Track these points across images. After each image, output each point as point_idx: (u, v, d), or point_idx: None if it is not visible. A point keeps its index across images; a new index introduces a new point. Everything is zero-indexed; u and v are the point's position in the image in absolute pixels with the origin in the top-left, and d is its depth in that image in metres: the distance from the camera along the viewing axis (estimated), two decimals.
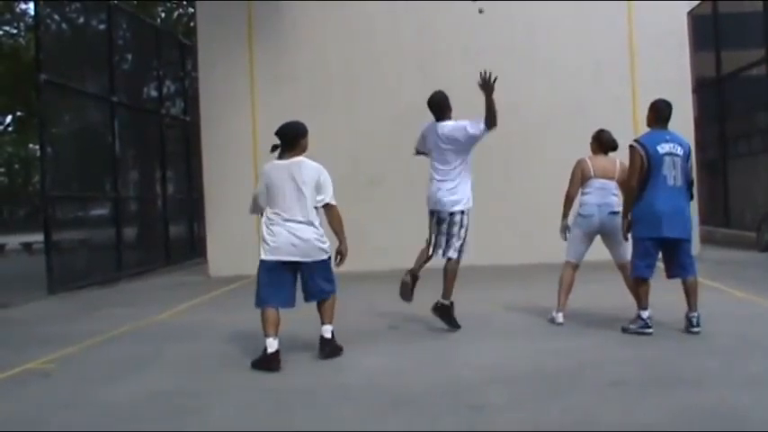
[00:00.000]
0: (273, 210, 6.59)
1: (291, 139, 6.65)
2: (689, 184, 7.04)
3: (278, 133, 6.67)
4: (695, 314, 6.97)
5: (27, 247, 26.08)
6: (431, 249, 7.69)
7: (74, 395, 5.84)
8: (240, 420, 5.00)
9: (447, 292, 7.61)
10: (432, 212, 7.71)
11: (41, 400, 5.76)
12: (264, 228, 6.65)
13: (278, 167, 6.63)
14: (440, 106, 7.72)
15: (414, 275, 7.65)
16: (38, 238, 18.57)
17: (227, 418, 5.06)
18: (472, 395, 5.31)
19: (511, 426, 4.61)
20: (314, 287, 6.67)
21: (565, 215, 7.78)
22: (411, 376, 5.98)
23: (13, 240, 28.74)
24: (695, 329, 6.92)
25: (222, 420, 5.03)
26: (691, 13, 16.79)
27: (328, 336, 6.70)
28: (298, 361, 6.71)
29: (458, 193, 7.58)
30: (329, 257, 6.71)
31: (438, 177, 7.64)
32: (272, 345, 6.39)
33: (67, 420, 5.14)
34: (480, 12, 12.49)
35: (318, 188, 6.58)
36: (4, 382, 6.31)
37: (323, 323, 6.72)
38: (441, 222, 7.61)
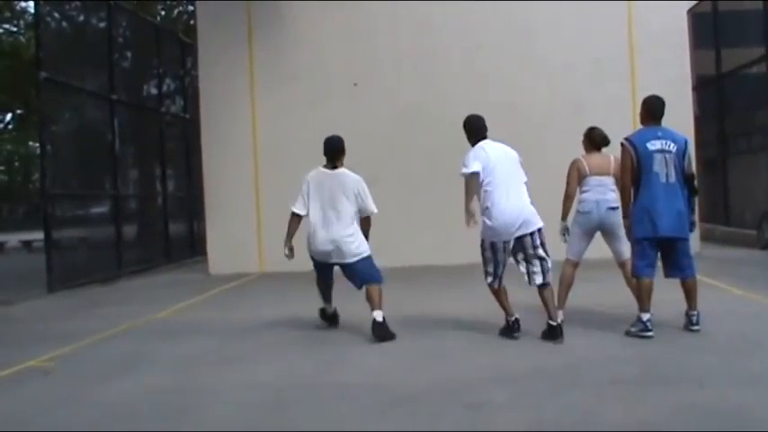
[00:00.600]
0: (317, 212, 7.53)
1: (337, 153, 7.70)
2: (687, 180, 6.97)
3: (326, 147, 7.71)
4: (695, 312, 6.97)
5: (27, 244, 26.07)
6: (499, 282, 7.12)
7: (73, 393, 5.84)
8: (239, 419, 5.00)
9: (553, 312, 7.04)
10: (502, 243, 6.96)
11: (41, 398, 5.75)
12: (311, 228, 7.55)
13: (326, 175, 7.65)
14: (482, 124, 7.29)
15: (514, 319, 7.17)
16: (38, 236, 18.56)
17: (226, 417, 5.05)
18: (472, 394, 5.31)
19: (511, 425, 4.61)
20: (356, 279, 7.60)
21: (564, 216, 7.75)
22: (410, 375, 5.98)
23: (13, 238, 28.75)
24: (695, 327, 6.93)
25: (221, 419, 5.03)
26: (690, 12, 16.79)
27: (380, 319, 7.33)
28: (296, 359, 6.72)
29: (530, 204, 7.02)
30: (367, 256, 7.56)
31: (512, 195, 6.92)
32: (329, 308, 8.00)
33: (67, 419, 5.14)
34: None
35: (358, 198, 7.55)
36: (4, 381, 6.31)
37: (372, 309, 7.39)
38: (523, 248, 6.94)
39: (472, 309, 8.04)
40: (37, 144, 23.92)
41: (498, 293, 7.19)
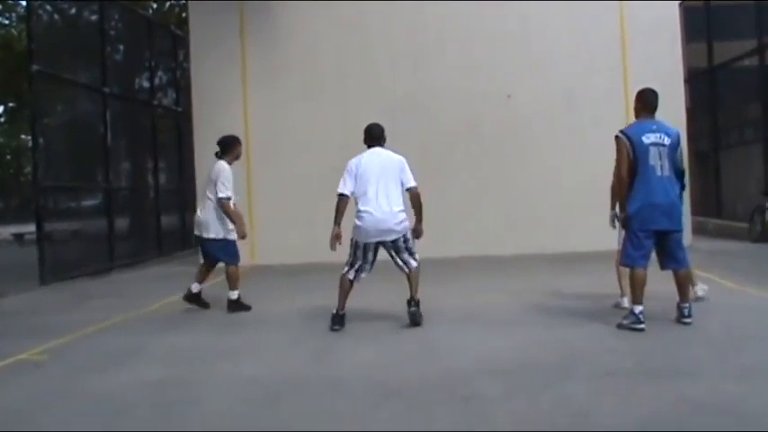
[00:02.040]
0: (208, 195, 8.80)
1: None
2: (678, 173, 7.03)
3: (221, 142, 9.04)
4: (687, 305, 7.00)
5: (19, 237, 25.95)
6: (355, 274, 7.62)
7: (65, 386, 5.82)
8: (232, 412, 4.99)
9: (416, 292, 7.63)
10: (366, 245, 7.55)
11: (33, 390, 5.73)
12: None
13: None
14: (380, 134, 7.93)
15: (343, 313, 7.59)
16: (29, 228, 18.50)
17: (220, 410, 5.04)
18: (465, 386, 5.31)
19: (505, 417, 4.61)
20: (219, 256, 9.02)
21: (613, 206, 7.81)
22: (403, 368, 5.97)
23: (5, 231, 28.64)
24: (687, 320, 6.95)
25: (214, 412, 5.01)
26: (682, 5, 16.83)
27: (235, 298, 8.85)
28: (289, 353, 6.72)
29: (402, 212, 7.56)
30: (221, 238, 8.85)
31: (383, 206, 7.45)
32: (195, 287, 9.00)
33: (59, 411, 5.13)
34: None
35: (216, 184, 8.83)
36: None
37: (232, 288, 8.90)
38: (396, 248, 7.55)
39: (465, 302, 8.04)
40: (29, 137, 23.77)
41: (349, 286, 7.60)
